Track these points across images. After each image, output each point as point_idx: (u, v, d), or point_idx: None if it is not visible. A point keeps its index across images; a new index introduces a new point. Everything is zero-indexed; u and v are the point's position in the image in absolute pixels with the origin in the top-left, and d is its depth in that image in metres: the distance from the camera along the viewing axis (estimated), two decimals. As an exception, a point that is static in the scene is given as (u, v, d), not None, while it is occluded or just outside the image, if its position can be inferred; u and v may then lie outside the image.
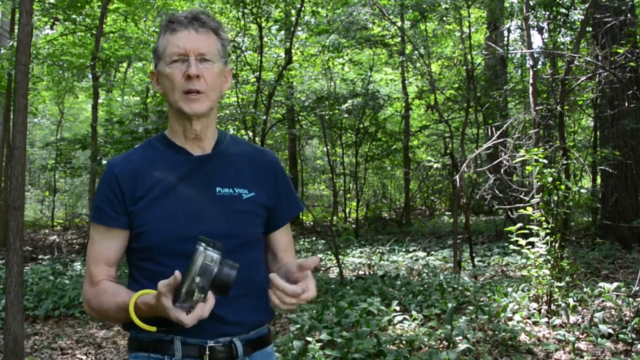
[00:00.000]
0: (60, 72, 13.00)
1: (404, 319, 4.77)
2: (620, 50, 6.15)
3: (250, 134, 10.29)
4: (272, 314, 1.55)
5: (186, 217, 1.38)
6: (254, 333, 1.47)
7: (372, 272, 7.63)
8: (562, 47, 8.95)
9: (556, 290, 4.89)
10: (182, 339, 1.38)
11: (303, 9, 10.44)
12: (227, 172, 1.47)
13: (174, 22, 1.41)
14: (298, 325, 4.51)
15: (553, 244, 4.94)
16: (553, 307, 4.91)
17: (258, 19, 9.87)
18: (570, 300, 4.91)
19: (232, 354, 1.41)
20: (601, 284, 5.37)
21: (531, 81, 6.96)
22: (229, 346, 1.41)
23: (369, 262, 8.33)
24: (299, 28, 12.20)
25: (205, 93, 1.40)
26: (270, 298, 1.28)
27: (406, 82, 14.16)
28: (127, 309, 1.29)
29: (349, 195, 16.17)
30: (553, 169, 5.10)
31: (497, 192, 7.00)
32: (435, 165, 13.78)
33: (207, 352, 1.39)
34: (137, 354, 1.43)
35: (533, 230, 5.08)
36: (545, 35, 9.37)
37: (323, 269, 8.32)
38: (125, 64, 14.34)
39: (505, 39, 13.52)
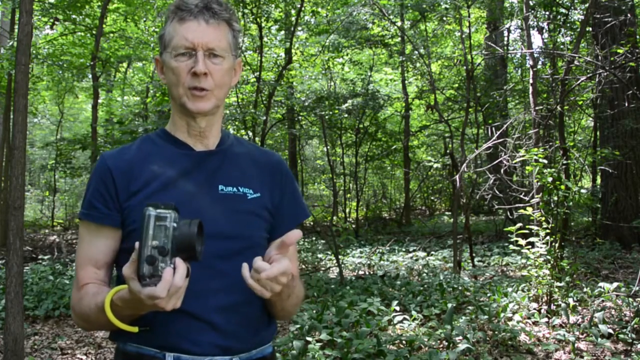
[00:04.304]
0: (60, 72, 12.99)
1: (404, 319, 4.77)
2: (620, 50, 6.15)
3: (250, 134, 10.29)
4: (275, 330, 1.42)
5: (185, 215, 1.18)
6: (257, 352, 1.33)
7: (372, 272, 7.63)
8: (562, 47, 8.95)
9: (556, 290, 4.89)
10: (175, 356, 1.24)
11: (303, 9, 10.44)
12: (231, 171, 1.37)
13: (183, 9, 1.29)
14: (298, 325, 4.51)
15: (553, 244, 4.94)
16: (553, 307, 4.91)
17: (258, 19, 9.87)
18: (570, 300, 4.91)
19: None
20: (601, 284, 5.38)
21: (531, 81, 6.96)
22: None
23: (369, 262, 8.33)
24: (299, 28, 12.20)
25: (211, 91, 1.30)
26: (247, 282, 1.14)
27: (406, 82, 14.17)
28: (104, 309, 1.14)
29: (349, 195, 16.18)
30: (553, 169, 5.10)
31: (497, 192, 7.00)
32: (435, 165, 13.79)
33: None
34: None
35: (533, 230, 5.08)
36: (545, 35, 9.36)
37: (323, 269, 8.31)
38: (125, 64, 14.35)
39: (505, 39, 13.53)
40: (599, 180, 9.78)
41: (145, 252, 1.04)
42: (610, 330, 4.32)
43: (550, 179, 4.98)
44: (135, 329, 1.16)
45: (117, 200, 1.30)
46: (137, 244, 1.05)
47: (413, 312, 4.99)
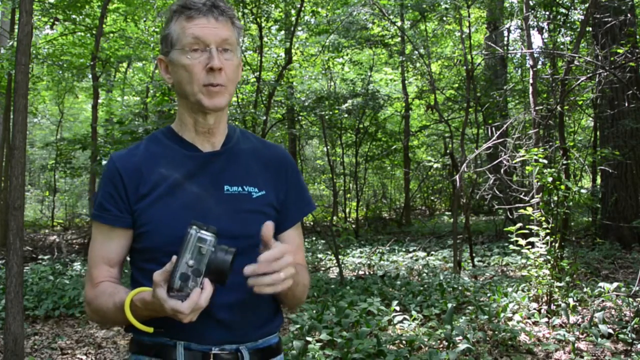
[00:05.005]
0: (60, 72, 12.99)
1: (404, 319, 4.77)
2: (620, 50, 6.15)
3: (250, 134, 10.28)
4: (281, 321, 1.46)
5: (192, 216, 1.24)
6: (263, 342, 1.39)
7: (372, 272, 7.63)
8: (562, 47, 8.95)
9: (556, 290, 4.89)
10: (186, 345, 1.31)
11: (303, 9, 10.44)
12: (236, 170, 1.39)
13: (190, 8, 1.30)
14: (298, 325, 4.51)
15: (553, 244, 4.95)
16: (553, 307, 4.91)
17: (258, 19, 9.87)
18: (570, 300, 4.91)
19: None
20: (601, 284, 5.38)
21: (531, 81, 6.96)
22: (235, 354, 1.33)
23: (369, 262, 8.33)
24: (299, 28, 12.21)
25: (225, 86, 1.32)
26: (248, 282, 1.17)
27: (406, 82, 14.17)
28: (123, 309, 1.21)
29: (349, 195, 16.18)
30: (553, 169, 5.10)
31: (497, 192, 7.00)
32: (435, 165, 13.80)
33: None
34: (139, 357, 1.37)
35: (533, 230, 5.08)
36: (545, 35, 9.37)
37: (323, 269, 8.32)
38: (125, 64, 14.33)
39: (505, 39, 13.53)
40: (599, 180, 9.78)
41: (180, 268, 1.12)
42: (610, 330, 4.32)
43: (550, 179, 4.98)
44: (150, 330, 1.22)
45: (127, 202, 1.33)
46: (174, 257, 1.13)
47: (413, 312, 4.99)
